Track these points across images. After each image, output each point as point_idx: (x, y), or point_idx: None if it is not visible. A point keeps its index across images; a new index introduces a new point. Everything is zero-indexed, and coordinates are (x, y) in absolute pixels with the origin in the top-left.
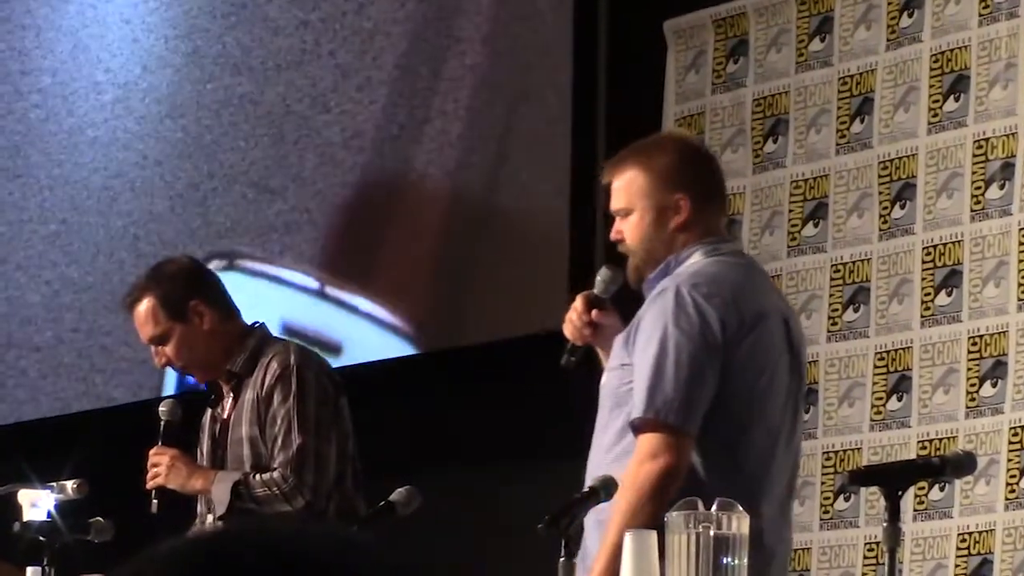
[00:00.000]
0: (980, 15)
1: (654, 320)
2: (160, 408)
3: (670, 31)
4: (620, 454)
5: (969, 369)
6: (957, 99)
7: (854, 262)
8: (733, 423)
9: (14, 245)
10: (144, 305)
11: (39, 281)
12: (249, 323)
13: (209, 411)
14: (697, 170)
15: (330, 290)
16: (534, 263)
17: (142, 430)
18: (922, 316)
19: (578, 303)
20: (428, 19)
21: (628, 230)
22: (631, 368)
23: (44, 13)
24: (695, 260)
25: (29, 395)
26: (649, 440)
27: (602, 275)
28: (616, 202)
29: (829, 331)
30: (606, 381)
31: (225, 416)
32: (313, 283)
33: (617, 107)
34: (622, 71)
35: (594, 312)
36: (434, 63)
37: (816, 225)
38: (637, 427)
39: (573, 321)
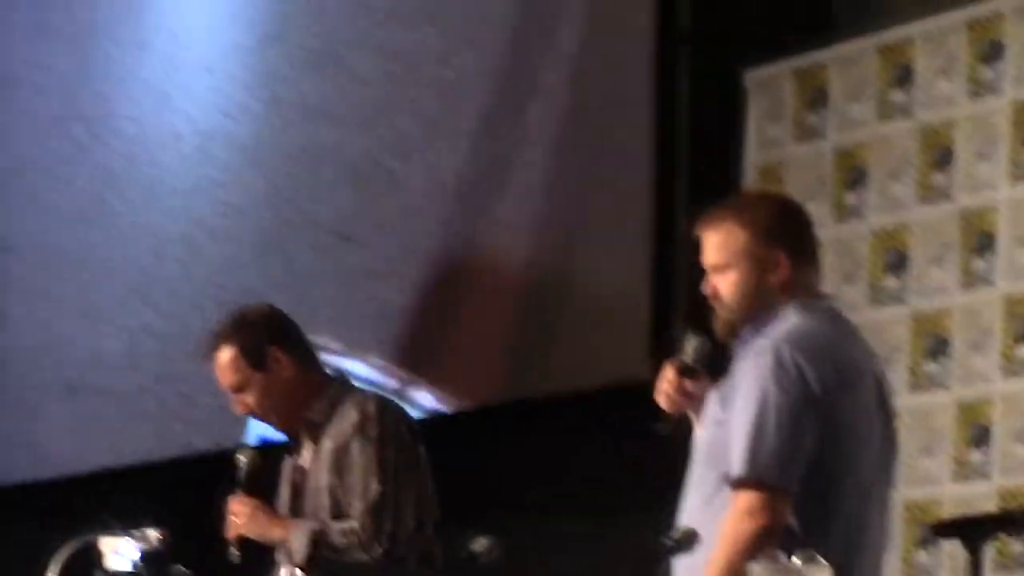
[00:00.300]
0: None
1: (753, 379)
2: (240, 456)
3: (751, 81)
4: (718, 509)
5: None
6: None
7: (935, 313)
8: (827, 479)
9: (96, 293)
10: (224, 353)
11: (120, 328)
12: (329, 371)
13: (289, 459)
14: (795, 227)
15: (404, 388)
16: (613, 315)
17: (222, 478)
18: (1001, 368)
19: (670, 373)
20: (510, 70)
21: (724, 286)
22: (726, 425)
23: (126, 62)
24: (791, 318)
25: (110, 442)
26: (747, 498)
27: (692, 344)
28: (712, 257)
29: (910, 383)
30: (701, 437)
31: (304, 464)
32: (387, 381)
33: (697, 156)
34: (702, 121)
35: (687, 383)
36: (515, 114)
37: (897, 278)
38: (736, 484)
39: (667, 391)
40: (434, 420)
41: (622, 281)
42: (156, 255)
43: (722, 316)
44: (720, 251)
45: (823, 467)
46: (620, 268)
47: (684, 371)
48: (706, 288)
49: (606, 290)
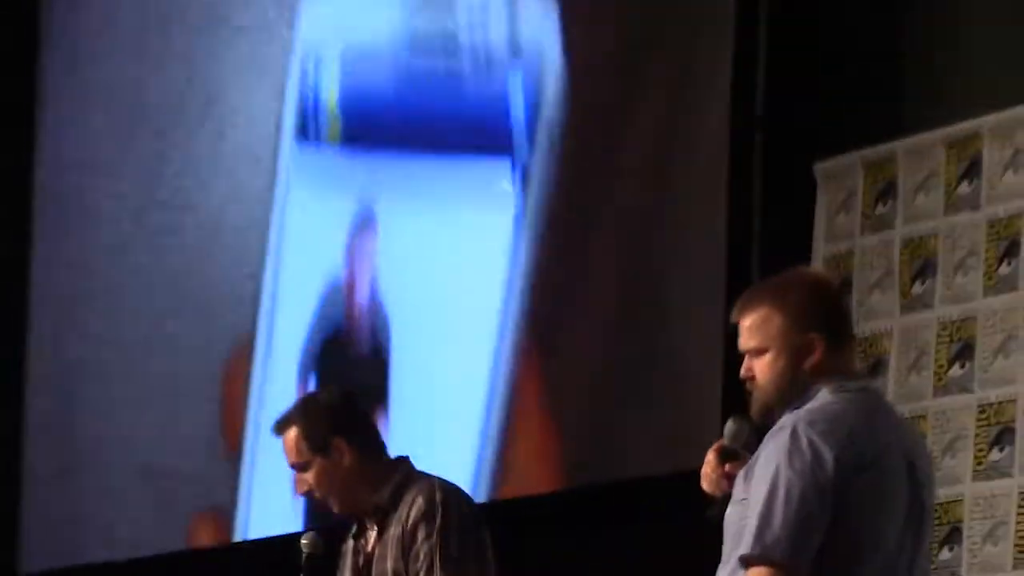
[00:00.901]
0: None
1: (769, 457)
2: (302, 540)
3: (821, 172)
4: None
5: None
6: None
7: (1000, 403)
8: (845, 554)
9: (171, 382)
10: (290, 434)
11: (193, 416)
12: (394, 457)
13: (351, 543)
14: (830, 309)
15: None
16: (687, 401)
17: (285, 563)
18: None
19: (711, 456)
20: (584, 152)
21: (760, 369)
22: (747, 503)
23: (203, 152)
24: (821, 397)
25: (181, 526)
26: (756, 574)
27: (729, 427)
28: (748, 341)
29: (975, 470)
30: (728, 515)
31: (369, 549)
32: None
33: (769, 245)
34: (775, 210)
35: (727, 465)
36: (593, 198)
37: (963, 367)
38: (746, 562)
39: (708, 475)
40: (502, 504)
41: (696, 369)
42: (231, 345)
43: (758, 399)
44: (756, 335)
45: (840, 543)
46: (695, 355)
47: (724, 454)
48: (744, 372)
49: (679, 378)
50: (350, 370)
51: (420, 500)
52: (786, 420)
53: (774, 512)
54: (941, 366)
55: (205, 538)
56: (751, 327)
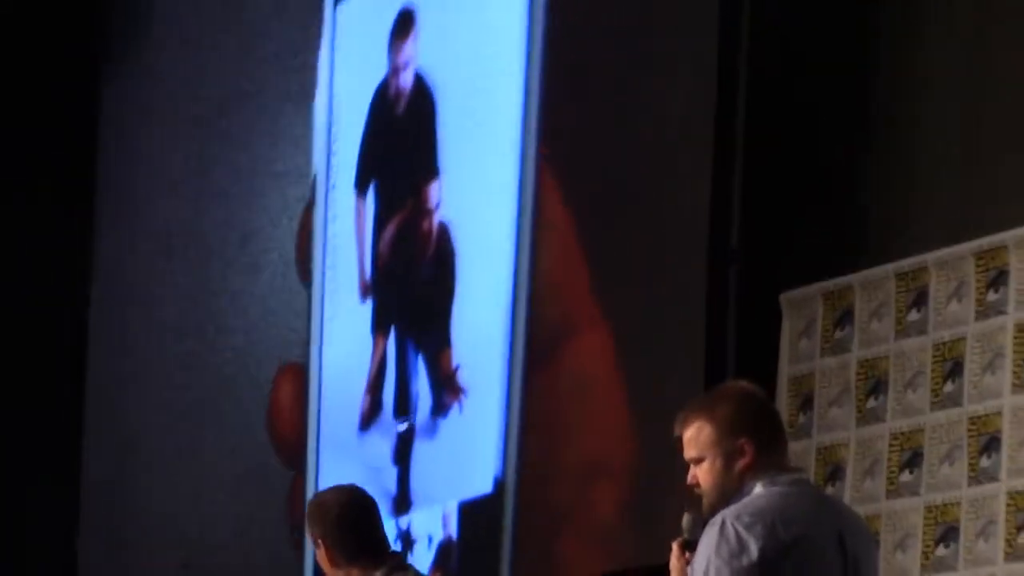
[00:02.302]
0: None
1: (702, 549)
2: None
3: (786, 302)
4: None
5: None
6: None
7: (946, 505)
8: None
9: (208, 482)
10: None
11: (227, 514)
12: (384, 554)
13: None
14: (756, 415)
15: None
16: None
17: None
18: (1005, 554)
19: (675, 549)
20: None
21: (702, 476)
22: None
23: (238, 280)
24: (753, 492)
25: None
26: None
27: (686, 521)
28: (689, 452)
29: (922, 564)
30: None
31: None
32: None
33: (742, 366)
34: (746, 335)
35: (687, 555)
36: (577, 321)
37: (911, 473)
38: None
39: (675, 566)
40: None
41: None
42: (260, 451)
43: (705, 501)
44: (694, 446)
45: None
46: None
47: (686, 545)
48: (689, 479)
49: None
50: None
51: None
52: (719, 515)
53: None
54: (893, 472)
55: None
56: (689, 439)
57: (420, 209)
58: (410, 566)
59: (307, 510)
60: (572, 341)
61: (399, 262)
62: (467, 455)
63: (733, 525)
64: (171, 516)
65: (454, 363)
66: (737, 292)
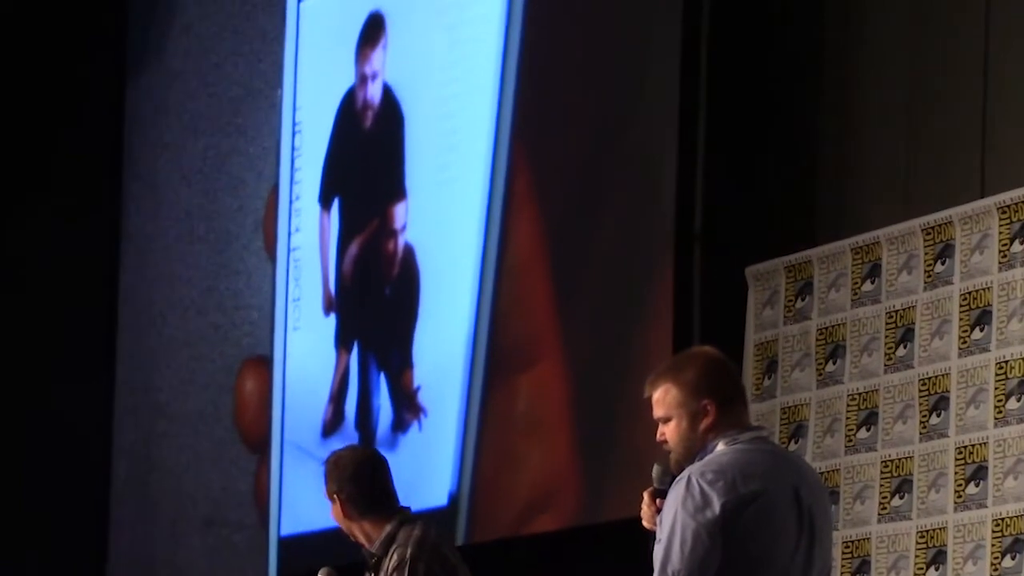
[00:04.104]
0: (999, 263)
1: (670, 504)
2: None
3: (750, 275)
4: None
5: None
6: (982, 330)
7: (900, 459)
8: (744, 573)
9: (229, 445)
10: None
11: (246, 472)
12: (394, 508)
13: None
14: (719, 378)
15: None
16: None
17: None
18: (955, 503)
19: (645, 497)
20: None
21: (669, 433)
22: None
23: (253, 261)
24: (716, 450)
25: (239, 569)
26: None
27: (655, 472)
28: (657, 411)
29: (879, 514)
30: (654, 553)
31: None
32: None
33: (710, 336)
34: (714, 308)
35: (658, 501)
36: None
37: (868, 430)
38: None
39: (646, 513)
40: (485, 545)
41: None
42: None
43: (672, 457)
44: (661, 406)
45: (737, 564)
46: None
47: (656, 494)
48: (658, 436)
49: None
50: None
51: (396, 556)
52: (685, 472)
53: (672, 549)
54: (851, 430)
55: None
56: (657, 400)
57: (386, 229)
58: (418, 519)
59: (324, 468)
60: (529, 372)
61: (363, 281)
62: (425, 469)
63: (698, 481)
64: (195, 477)
65: (415, 384)
66: (706, 267)
